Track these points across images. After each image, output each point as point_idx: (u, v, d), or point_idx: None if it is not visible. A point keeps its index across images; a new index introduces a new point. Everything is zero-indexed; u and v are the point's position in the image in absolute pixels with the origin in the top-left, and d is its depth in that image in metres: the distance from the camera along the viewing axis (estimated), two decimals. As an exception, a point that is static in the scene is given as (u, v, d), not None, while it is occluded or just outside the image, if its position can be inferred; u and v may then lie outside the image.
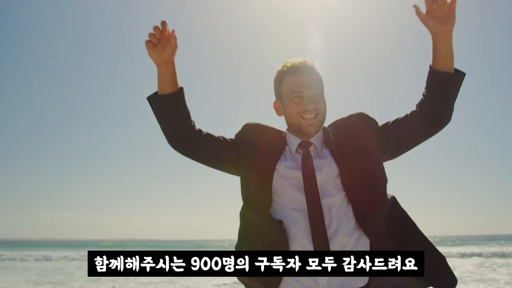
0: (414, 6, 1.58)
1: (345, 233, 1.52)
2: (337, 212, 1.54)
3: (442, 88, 1.59)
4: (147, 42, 1.60)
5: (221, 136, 1.74)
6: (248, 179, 1.66)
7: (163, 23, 1.59)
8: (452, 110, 1.63)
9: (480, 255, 20.08)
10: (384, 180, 1.63)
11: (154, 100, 1.67)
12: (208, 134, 1.72)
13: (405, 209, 1.67)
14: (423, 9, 1.59)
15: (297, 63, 1.65)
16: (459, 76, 1.59)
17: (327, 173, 1.58)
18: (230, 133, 1.77)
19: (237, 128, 1.77)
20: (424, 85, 1.63)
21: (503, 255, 19.81)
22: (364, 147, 1.63)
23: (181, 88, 1.68)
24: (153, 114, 1.70)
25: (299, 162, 1.62)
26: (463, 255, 20.07)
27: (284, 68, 1.67)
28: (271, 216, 1.58)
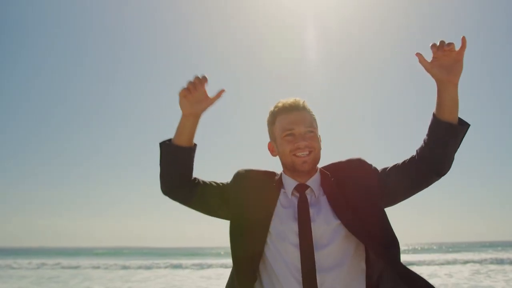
0: (417, 54, 1.52)
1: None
2: (330, 265, 1.53)
3: (444, 139, 1.53)
4: (183, 90, 1.59)
5: (213, 182, 1.74)
6: (241, 229, 1.63)
7: (204, 79, 1.59)
8: (452, 160, 1.58)
9: (476, 261, 20.08)
10: (388, 227, 1.60)
11: (167, 147, 1.66)
12: (200, 184, 1.71)
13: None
14: (428, 57, 1.53)
15: (288, 103, 1.66)
16: (462, 127, 1.54)
17: (323, 222, 1.56)
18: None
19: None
20: (426, 132, 1.57)
21: (499, 262, 19.80)
22: (365, 194, 1.61)
23: (195, 145, 1.69)
24: (159, 158, 1.69)
25: (295, 208, 1.60)
26: (460, 262, 20.06)
27: (276, 109, 1.68)
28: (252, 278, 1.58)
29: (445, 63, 1.50)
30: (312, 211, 1.58)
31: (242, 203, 1.65)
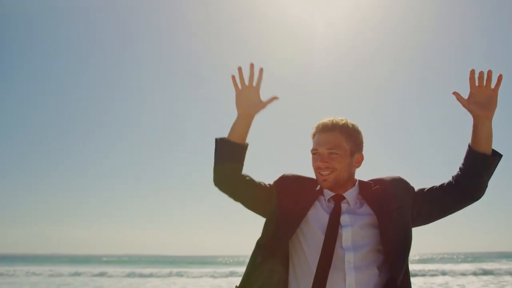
0: (454, 93, 1.70)
1: None
2: (363, 266, 1.67)
3: (480, 168, 1.70)
4: (239, 82, 1.81)
5: (261, 182, 1.88)
6: (275, 220, 1.78)
7: (260, 72, 1.81)
8: (486, 186, 1.74)
9: (490, 272, 19.74)
10: (410, 244, 1.74)
11: (221, 143, 1.82)
12: (250, 179, 1.85)
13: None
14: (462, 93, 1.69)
15: (321, 123, 1.79)
16: (496, 158, 1.71)
17: (360, 226, 1.71)
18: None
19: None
20: (462, 161, 1.74)
21: (513, 273, 19.43)
22: (401, 209, 1.74)
23: (247, 144, 1.84)
24: (214, 152, 1.84)
25: (328, 214, 1.75)
26: (472, 272, 19.73)
27: (314, 126, 1.83)
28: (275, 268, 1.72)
29: (480, 100, 1.67)
30: (348, 216, 1.73)
31: (281, 201, 1.80)
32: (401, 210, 1.73)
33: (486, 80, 1.66)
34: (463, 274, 19.32)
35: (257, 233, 1.84)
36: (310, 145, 1.80)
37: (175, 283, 16.62)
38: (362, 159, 1.80)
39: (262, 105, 1.82)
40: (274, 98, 1.84)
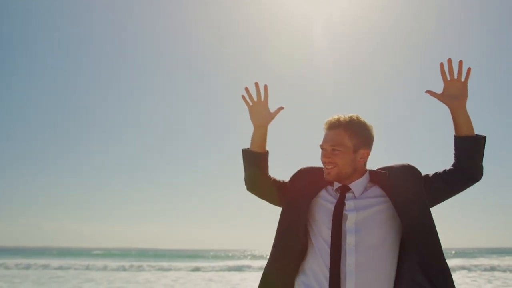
0: (427, 91, 1.87)
1: (370, 275, 1.74)
2: (367, 248, 1.76)
3: (468, 151, 1.84)
4: (249, 102, 2.04)
5: (281, 180, 2.08)
6: (286, 208, 1.96)
7: (264, 88, 2.03)
8: (481, 167, 1.87)
9: (481, 268, 19.97)
10: (434, 226, 1.83)
11: (245, 153, 2.07)
12: (274, 180, 2.06)
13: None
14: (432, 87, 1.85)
15: (328, 120, 1.92)
16: (480, 138, 1.85)
17: (366, 210, 1.81)
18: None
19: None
20: (453, 151, 1.88)
21: (506, 269, 19.68)
22: (414, 192, 1.83)
23: (267, 152, 2.07)
24: (242, 162, 2.07)
25: (334, 202, 1.87)
26: (463, 268, 19.95)
27: (324, 122, 1.95)
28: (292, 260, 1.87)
29: (453, 92, 1.84)
30: (353, 203, 1.83)
31: (292, 194, 1.97)
32: (414, 192, 1.82)
33: (457, 73, 1.82)
34: (454, 269, 19.54)
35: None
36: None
37: (166, 277, 16.64)
38: (368, 154, 1.90)
39: (271, 116, 2.05)
40: (281, 108, 2.05)
